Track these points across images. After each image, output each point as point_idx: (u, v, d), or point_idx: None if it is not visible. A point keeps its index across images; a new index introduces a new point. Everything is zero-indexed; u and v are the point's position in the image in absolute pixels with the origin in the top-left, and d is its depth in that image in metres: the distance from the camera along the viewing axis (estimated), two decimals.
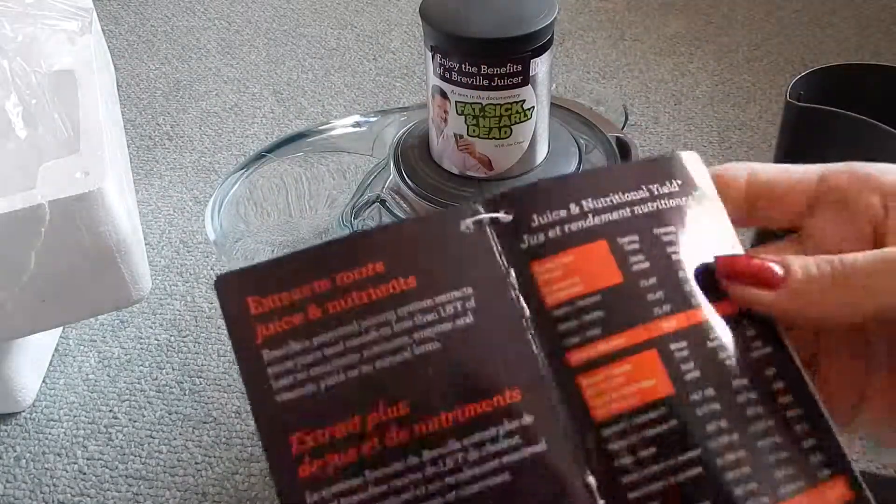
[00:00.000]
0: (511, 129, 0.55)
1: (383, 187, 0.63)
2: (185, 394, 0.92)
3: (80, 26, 0.89)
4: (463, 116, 0.55)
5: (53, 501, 0.82)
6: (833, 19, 1.57)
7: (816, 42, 1.51)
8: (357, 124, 0.72)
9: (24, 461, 0.85)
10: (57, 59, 0.83)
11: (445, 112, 0.56)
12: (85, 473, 0.84)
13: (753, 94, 1.36)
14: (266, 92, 1.42)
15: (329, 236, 0.63)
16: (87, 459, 0.86)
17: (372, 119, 0.72)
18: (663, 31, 1.52)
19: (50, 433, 0.88)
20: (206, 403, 0.91)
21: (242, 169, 0.69)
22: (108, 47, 1.05)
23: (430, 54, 0.55)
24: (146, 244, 0.97)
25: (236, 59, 1.52)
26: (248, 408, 0.98)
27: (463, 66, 0.53)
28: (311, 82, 1.45)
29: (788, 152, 0.85)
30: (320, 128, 0.73)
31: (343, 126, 0.73)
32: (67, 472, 0.84)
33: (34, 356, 0.92)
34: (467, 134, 0.56)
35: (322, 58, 1.51)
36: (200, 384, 0.93)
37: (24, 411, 0.90)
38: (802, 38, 1.52)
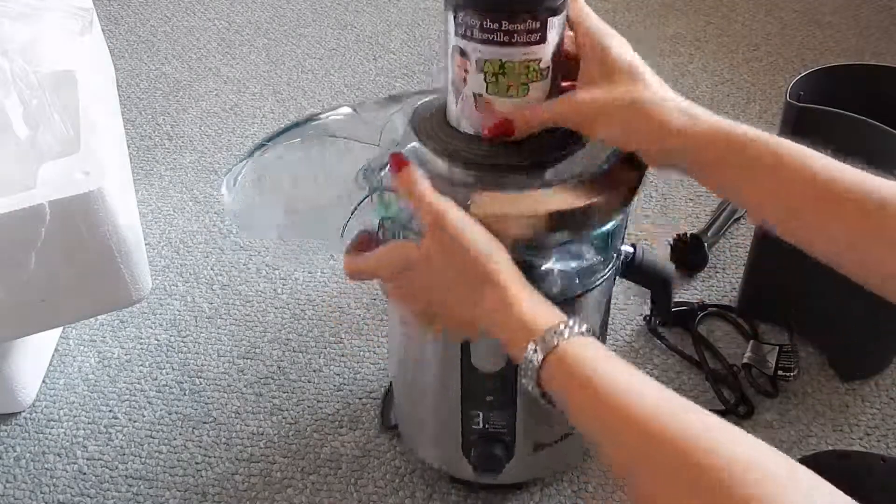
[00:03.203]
0: (528, 88, 0.57)
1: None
2: (185, 394, 0.92)
3: (80, 26, 0.89)
4: (483, 74, 0.56)
5: (53, 501, 0.82)
6: (833, 19, 1.57)
7: (816, 42, 1.51)
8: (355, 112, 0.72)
9: (24, 461, 0.85)
10: (57, 59, 0.83)
11: (465, 71, 0.57)
12: (85, 473, 0.84)
13: (753, 94, 1.36)
14: (266, 92, 1.42)
15: (348, 199, 0.63)
16: (87, 459, 0.86)
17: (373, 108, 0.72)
18: (663, 31, 1.52)
19: (50, 433, 0.88)
20: (206, 403, 0.91)
21: (258, 149, 0.68)
22: (108, 47, 1.05)
23: (450, 14, 0.56)
24: (146, 244, 0.97)
25: (236, 59, 1.52)
26: (248, 408, 0.98)
27: (484, 22, 0.54)
28: (311, 82, 1.45)
29: None
30: (323, 114, 0.72)
31: (344, 114, 0.72)
32: (67, 472, 0.84)
33: (34, 356, 0.92)
34: (486, 92, 0.57)
35: (322, 58, 1.51)
36: (200, 384, 0.93)
37: (24, 411, 0.90)
38: (802, 38, 1.52)
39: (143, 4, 1.70)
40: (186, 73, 1.48)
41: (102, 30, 1.02)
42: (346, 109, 0.70)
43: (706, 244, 1.05)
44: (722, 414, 0.87)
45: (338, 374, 0.94)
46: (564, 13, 0.56)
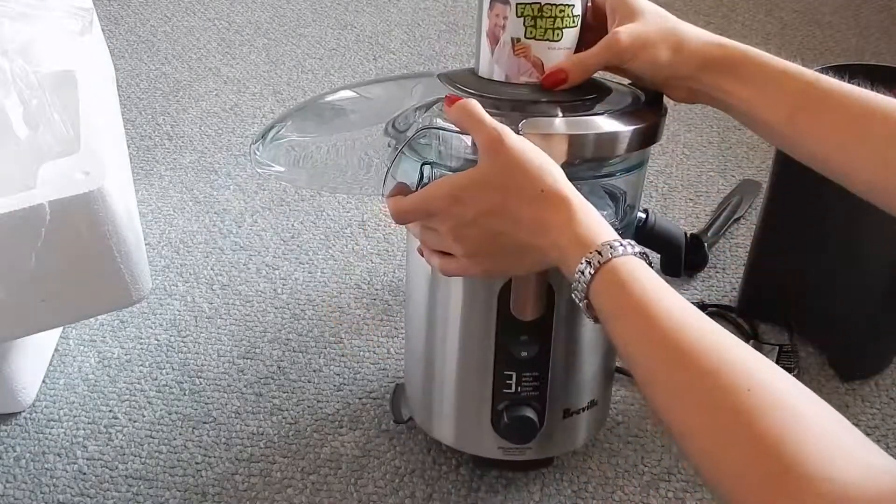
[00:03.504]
0: (562, 33, 0.62)
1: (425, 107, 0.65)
2: (185, 394, 0.92)
3: (80, 26, 0.89)
4: (522, 18, 0.62)
5: (53, 501, 0.82)
6: (833, 19, 1.57)
7: (816, 42, 1.51)
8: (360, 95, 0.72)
9: (24, 461, 0.85)
10: (57, 59, 0.83)
11: (504, 18, 0.62)
12: (85, 473, 0.84)
13: None
14: (266, 92, 1.42)
15: (371, 160, 0.64)
16: (87, 459, 0.86)
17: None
18: None
19: (50, 433, 0.88)
20: (206, 403, 0.91)
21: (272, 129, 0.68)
22: (108, 47, 1.05)
23: None
24: (146, 244, 0.97)
25: (236, 59, 1.52)
26: (248, 408, 0.98)
27: None
28: (311, 82, 1.45)
29: None
30: (329, 96, 0.72)
31: (349, 97, 0.73)
32: (67, 472, 0.84)
33: (34, 356, 0.92)
34: (524, 36, 0.62)
35: (322, 58, 1.51)
36: (200, 384, 0.93)
37: (24, 411, 0.90)
38: (802, 38, 1.52)
39: (143, 4, 1.70)
40: (186, 73, 1.48)
41: (102, 30, 1.02)
42: (348, 93, 0.70)
43: (706, 244, 1.05)
44: None
45: (338, 374, 0.94)
46: None
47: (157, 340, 0.98)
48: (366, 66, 1.48)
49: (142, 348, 0.97)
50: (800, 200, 0.88)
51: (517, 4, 0.62)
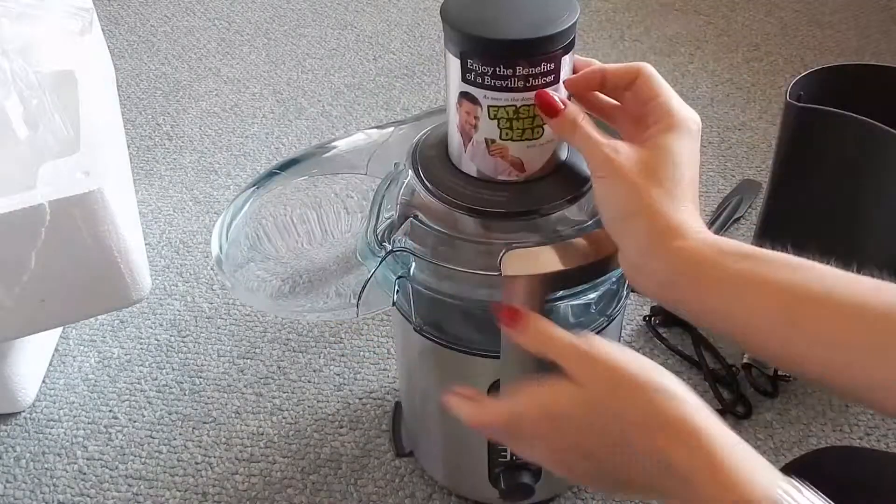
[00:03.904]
0: (543, 129, 0.55)
1: (397, 202, 0.61)
2: (185, 394, 0.92)
3: (80, 26, 0.89)
4: (496, 121, 0.54)
5: (53, 501, 0.82)
6: (833, 19, 1.57)
7: (816, 42, 1.51)
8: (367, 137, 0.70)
9: (24, 461, 0.85)
10: (57, 59, 0.83)
11: (475, 118, 0.54)
12: (85, 473, 0.84)
13: (753, 95, 1.36)
14: (266, 92, 1.42)
15: (358, 266, 0.60)
16: (87, 459, 0.86)
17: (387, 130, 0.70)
18: (663, 31, 1.52)
19: (50, 433, 0.88)
20: (206, 403, 0.91)
21: (254, 187, 0.66)
22: (108, 47, 1.05)
23: (456, 60, 0.53)
24: (146, 244, 0.97)
25: (236, 59, 1.52)
26: (248, 408, 0.98)
27: (498, 69, 0.51)
28: (311, 82, 1.44)
29: (788, 152, 0.85)
30: (330, 145, 0.71)
31: (351, 143, 0.70)
32: (67, 472, 0.84)
33: (34, 356, 0.92)
34: (500, 138, 0.55)
35: (322, 58, 1.51)
36: (200, 384, 0.93)
37: (24, 411, 0.90)
38: (802, 38, 1.52)
39: (143, 4, 1.70)
40: (186, 73, 1.48)
41: (102, 30, 1.02)
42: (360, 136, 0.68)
43: None
44: (720, 414, 0.87)
45: (338, 374, 0.94)
46: (574, 48, 0.54)
47: (157, 340, 0.98)
48: (366, 66, 1.48)
49: (142, 348, 0.97)
50: (800, 201, 0.88)
51: (489, 107, 0.53)
